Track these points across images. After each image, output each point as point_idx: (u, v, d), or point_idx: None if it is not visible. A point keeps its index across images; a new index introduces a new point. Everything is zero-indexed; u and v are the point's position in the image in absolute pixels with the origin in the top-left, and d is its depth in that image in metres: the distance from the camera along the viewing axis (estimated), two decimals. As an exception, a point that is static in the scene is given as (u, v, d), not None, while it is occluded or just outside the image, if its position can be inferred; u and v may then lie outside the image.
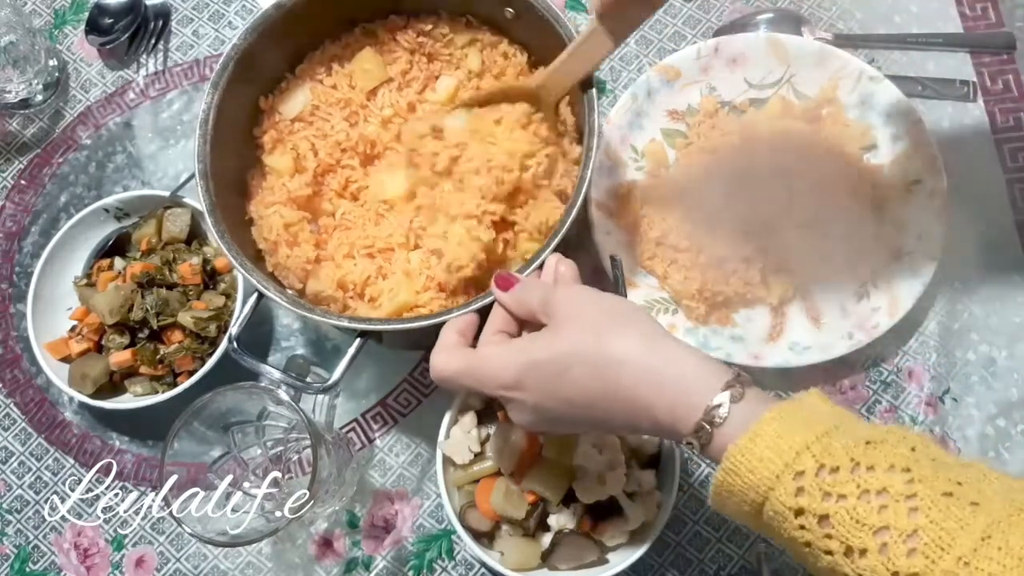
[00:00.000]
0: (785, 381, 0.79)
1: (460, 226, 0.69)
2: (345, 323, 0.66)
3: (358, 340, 0.66)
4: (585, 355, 0.51)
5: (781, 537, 0.45)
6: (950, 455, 0.44)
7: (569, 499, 0.69)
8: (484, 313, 0.59)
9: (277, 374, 0.66)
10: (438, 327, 0.61)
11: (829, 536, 0.42)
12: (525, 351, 0.54)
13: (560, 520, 0.69)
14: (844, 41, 0.87)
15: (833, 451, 0.43)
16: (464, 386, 0.57)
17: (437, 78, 0.79)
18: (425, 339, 0.80)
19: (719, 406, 0.47)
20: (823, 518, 0.42)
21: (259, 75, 0.76)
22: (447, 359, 0.57)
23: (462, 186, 0.70)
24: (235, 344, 0.67)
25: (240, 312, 0.69)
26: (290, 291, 0.72)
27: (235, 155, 0.75)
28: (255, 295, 0.68)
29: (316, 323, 0.78)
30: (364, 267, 0.72)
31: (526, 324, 0.58)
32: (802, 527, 0.43)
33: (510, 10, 0.74)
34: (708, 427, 0.47)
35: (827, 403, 0.48)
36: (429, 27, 0.78)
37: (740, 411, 0.47)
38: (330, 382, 0.65)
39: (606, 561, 0.70)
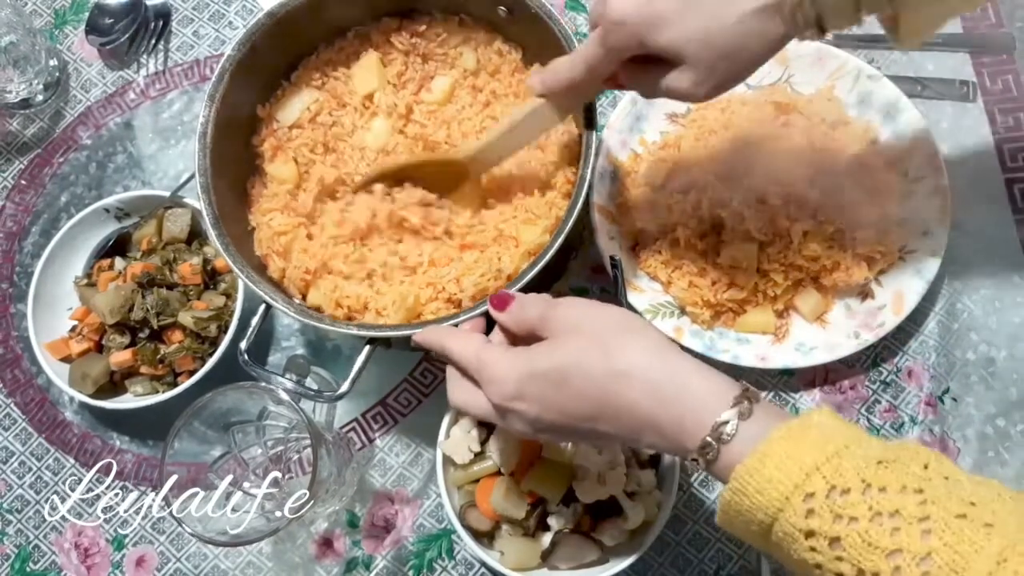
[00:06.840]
0: (786, 381, 0.80)
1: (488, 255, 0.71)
2: (355, 331, 0.66)
3: (367, 348, 0.66)
4: (587, 366, 0.49)
5: (791, 559, 0.44)
6: (963, 472, 0.43)
7: (569, 499, 0.69)
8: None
9: (289, 385, 0.66)
10: None
11: (840, 559, 0.41)
12: (524, 360, 0.52)
13: (560, 520, 0.69)
14: (844, 41, 0.87)
15: (844, 472, 0.42)
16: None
17: (432, 78, 0.79)
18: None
19: (726, 423, 0.46)
20: (834, 540, 0.41)
21: (255, 84, 0.76)
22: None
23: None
24: (245, 356, 0.67)
25: (247, 323, 0.69)
26: (296, 300, 0.72)
27: (235, 165, 0.75)
28: (263, 307, 0.68)
29: (324, 331, 0.78)
30: (362, 289, 0.71)
31: (523, 343, 0.56)
32: (813, 549, 0.42)
33: (503, 8, 0.74)
34: (715, 444, 0.46)
35: (837, 420, 0.46)
36: (423, 28, 0.78)
37: (748, 428, 0.46)
38: (340, 391, 0.65)
39: (606, 561, 0.70)
